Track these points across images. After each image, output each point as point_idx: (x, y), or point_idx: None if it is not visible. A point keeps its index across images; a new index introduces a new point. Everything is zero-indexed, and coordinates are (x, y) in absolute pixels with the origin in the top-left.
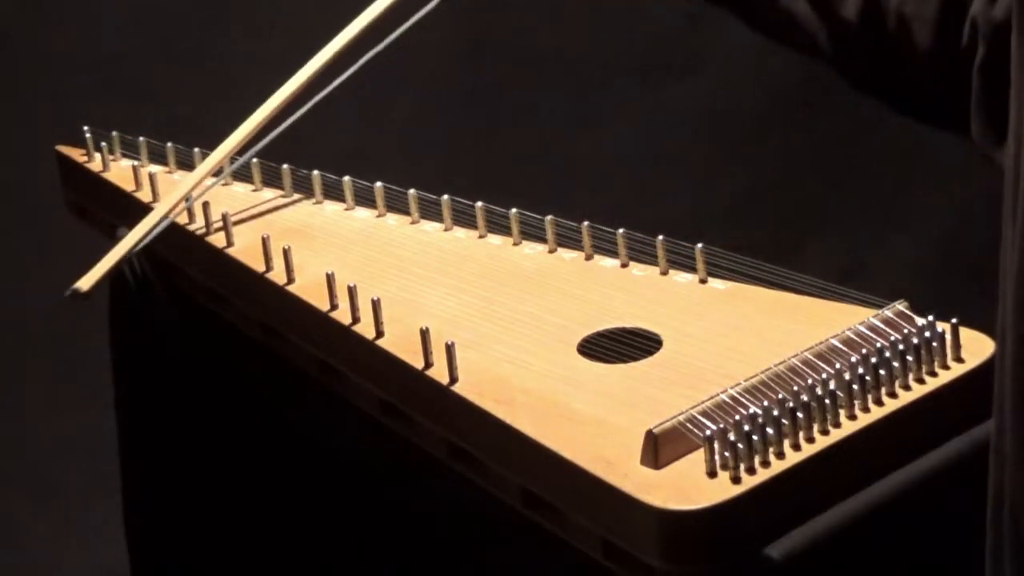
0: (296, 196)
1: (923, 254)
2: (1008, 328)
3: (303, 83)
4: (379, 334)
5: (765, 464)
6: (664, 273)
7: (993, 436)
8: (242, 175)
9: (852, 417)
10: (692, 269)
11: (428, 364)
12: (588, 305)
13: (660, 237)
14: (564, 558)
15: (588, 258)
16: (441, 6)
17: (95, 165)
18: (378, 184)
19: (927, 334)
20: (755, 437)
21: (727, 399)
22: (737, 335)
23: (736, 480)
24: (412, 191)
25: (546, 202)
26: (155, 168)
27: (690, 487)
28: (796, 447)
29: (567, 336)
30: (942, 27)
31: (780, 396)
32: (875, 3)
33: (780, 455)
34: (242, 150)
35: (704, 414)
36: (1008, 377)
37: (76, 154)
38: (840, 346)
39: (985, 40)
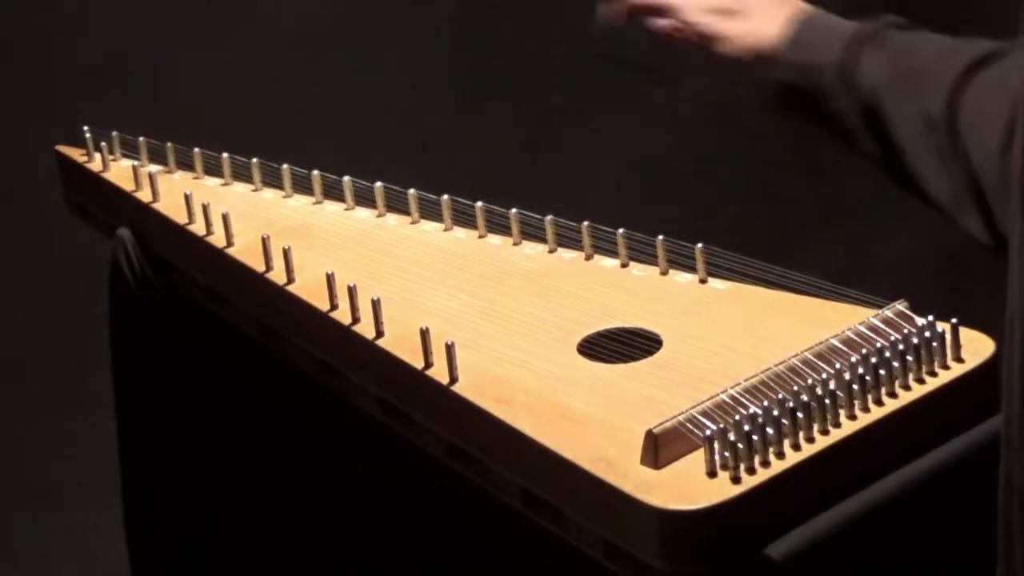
0: (296, 196)
1: (922, 254)
2: (1017, 317)
3: None
4: (379, 334)
5: (765, 464)
6: (664, 273)
7: (1002, 427)
8: (242, 175)
9: (852, 417)
10: (692, 269)
11: (428, 364)
12: (588, 305)
13: (660, 237)
14: (564, 558)
15: (588, 258)
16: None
17: (95, 165)
18: (378, 184)
19: (927, 334)
20: (755, 437)
21: (727, 399)
22: (737, 335)
23: (736, 480)
24: (412, 191)
25: (546, 202)
26: (155, 168)
27: (690, 487)
28: (796, 447)
29: (567, 336)
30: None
31: (780, 396)
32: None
33: (780, 455)
34: None
35: (704, 414)
36: (1017, 366)
37: (76, 154)
38: (840, 346)
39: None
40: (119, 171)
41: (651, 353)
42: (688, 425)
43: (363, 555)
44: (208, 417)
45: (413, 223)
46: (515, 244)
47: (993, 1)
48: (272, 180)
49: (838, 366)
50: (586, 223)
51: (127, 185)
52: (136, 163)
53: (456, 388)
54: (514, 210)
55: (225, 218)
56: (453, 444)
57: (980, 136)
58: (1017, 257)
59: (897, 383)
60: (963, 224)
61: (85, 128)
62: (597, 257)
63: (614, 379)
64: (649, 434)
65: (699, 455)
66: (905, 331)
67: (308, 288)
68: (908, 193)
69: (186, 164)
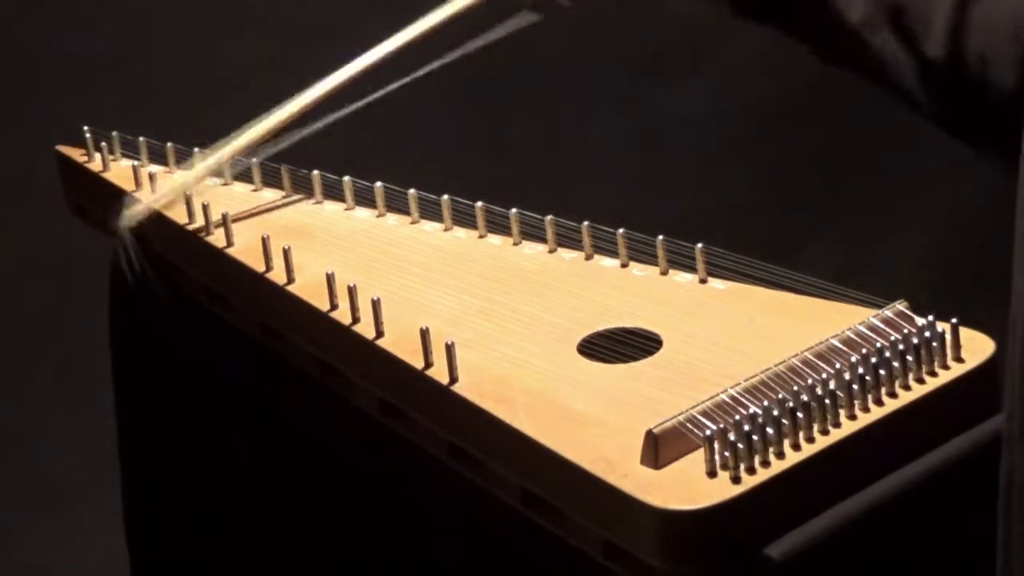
0: (296, 196)
1: (922, 254)
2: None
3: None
4: (379, 334)
5: (765, 464)
6: (664, 273)
7: (1004, 424)
8: (242, 175)
9: (852, 417)
10: (692, 269)
11: (428, 364)
12: (588, 305)
13: (660, 237)
14: (564, 558)
15: (588, 258)
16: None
17: (95, 165)
18: (378, 184)
19: (927, 334)
20: (755, 437)
21: (727, 399)
22: (737, 335)
23: (736, 480)
24: (412, 191)
25: (546, 202)
26: (155, 168)
27: (690, 487)
28: (796, 447)
29: (567, 336)
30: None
31: (780, 396)
32: (960, 44)
33: (780, 455)
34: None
35: (704, 414)
36: (1018, 360)
37: (76, 154)
38: (840, 346)
39: None
40: (119, 171)
41: (651, 353)
42: (688, 425)
43: (363, 555)
44: (208, 416)
45: (413, 223)
46: (515, 244)
47: None
48: (272, 180)
49: (838, 366)
50: (586, 223)
51: (127, 185)
52: (136, 163)
53: (456, 388)
54: (514, 210)
55: (225, 218)
56: (453, 444)
57: (991, 80)
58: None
59: (897, 383)
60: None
61: (85, 128)
62: (597, 257)
63: (614, 379)
64: (649, 434)
65: (699, 455)
66: (905, 331)
67: (308, 288)
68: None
69: (186, 164)
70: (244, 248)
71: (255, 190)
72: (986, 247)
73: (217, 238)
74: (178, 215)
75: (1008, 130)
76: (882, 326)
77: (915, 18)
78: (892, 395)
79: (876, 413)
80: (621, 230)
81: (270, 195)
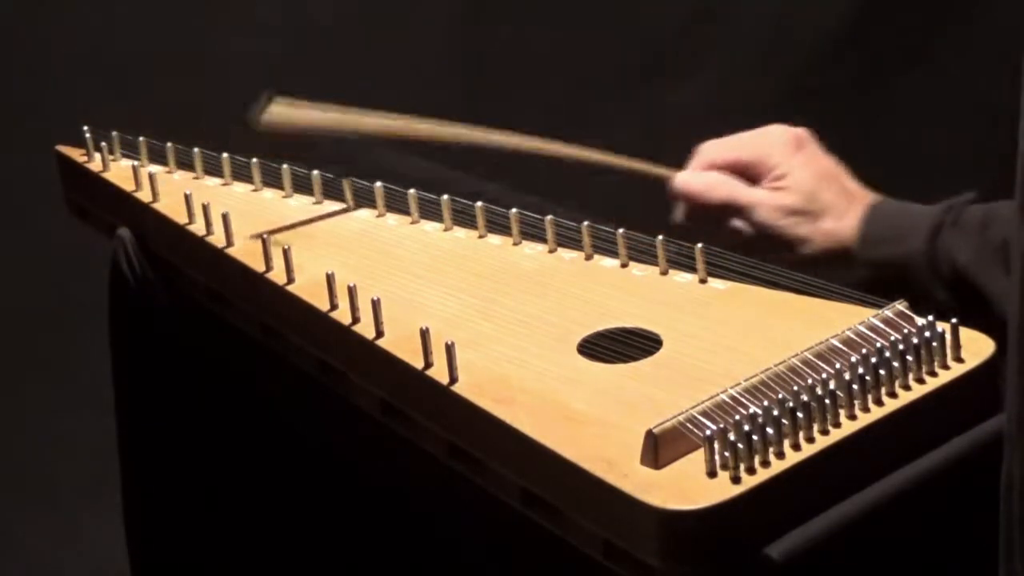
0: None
1: None
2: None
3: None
4: (379, 334)
5: (765, 464)
6: (664, 273)
7: (1006, 424)
8: (242, 175)
9: (852, 417)
10: (692, 269)
11: (428, 364)
12: (588, 305)
13: (660, 237)
14: (564, 558)
15: (588, 258)
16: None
17: (95, 165)
18: (378, 184)
19: (927, 334)
20: (755, 437)
21: (727, 399)
22: (737, 335)
23: (736, 480)
24: (412, 191)
25: (546, 202)
26: (155, 168)
27: (690, 487)
28: (796, 447)
29: (567, 336)
30: None
31: (780, 396)
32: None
33: (780, 455)
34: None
35: (704, 414)
36: (1016, 360)
37: (76, 154)
38: (840, 346)
39: None
40: (119, 171)
41: (651, 353)
42: (688, 425)
43: (362, 555)
44: (208, 417)
45: (413, 223)
46: (515, 244)
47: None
48: (272, 180)
49: (838, 366)
50: (586, 223)
51: (127, 185)
52: (136, 163)
53: (456, 388)
54: (514, 210)
55: (225, 218)
56: (453, 444)
57: None
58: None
59: (897, 383)
60: None
61: (85, 128)
62: (597, 257)
63: (614, 379)
64: (649, 434)
65: (699, 455)
66: (905, 331)
67: (308, 288)
68: None
69: (186, 164)
70: (244, 248)
71: (255, 190)
72: None
73: (217, 238)
74: (178, 215)
75: None
76: (882, 326)
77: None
78: (892, 395)
79: (876, 413)
80: (621, 230)
81: (270, 195)
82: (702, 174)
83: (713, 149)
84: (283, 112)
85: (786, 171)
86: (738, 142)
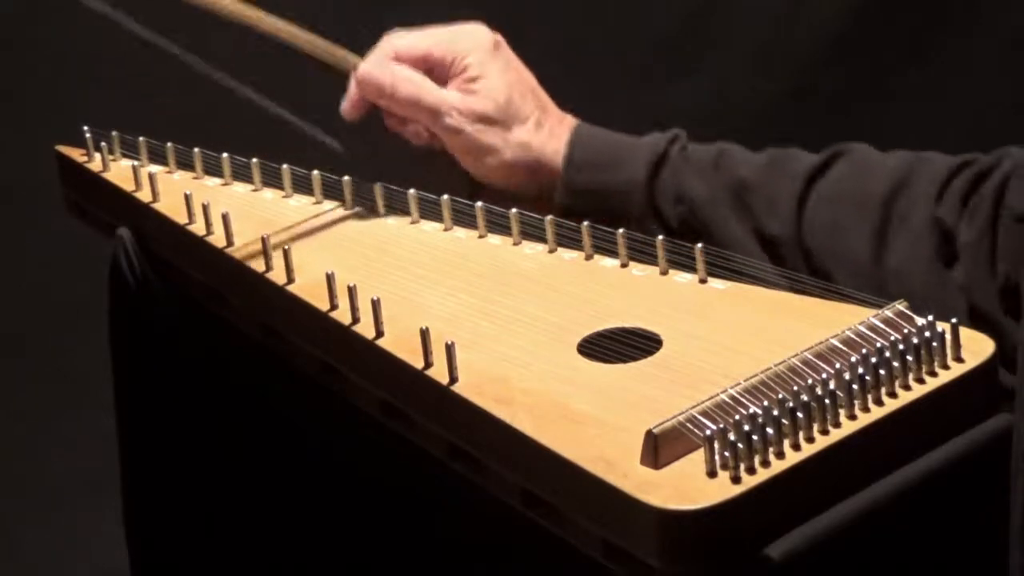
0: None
1: None
2: None
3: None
4: (379, 334)
5: (765, 464)
6: (664, 273)
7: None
8: (242, 175)
9: (852, 417)
10: (692, 269)
11: (428, 364)
12: (588, 305)
13: (660, 237)
14: (564, 558)
15: (588, 258)
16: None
17: (95, 165)
18: (378, 184)
19: (927, 334)
20: (755, 437)
21: (727, 399)
22: (737, 335)
23: (736, 480)
24: (412, 191)
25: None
26: (155, 168)
27: (690, 487)
28: (796, 447)
29: (567, 336)
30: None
31: (780, 396)
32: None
33: (780, 455)
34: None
35: (704, 414)
36: None
37: (76, 154)
38: (840, 346)
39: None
40: (119, 171)
41: (651, 353)
42: (688, 425)
43: (363, 555)
44: (208, 417)
45: (413, 223)
46: (515, 244)
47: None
48: (272, 180)
49: (838, 366)
50: (586, 223)
51: (127, 185)
52: (136, 163)
53: (456, 388)
54: (514, 210)
55: (225, 218)
56: (453, 444)
57: (842, 249)
58: None
59: (897, 383)
60: None
61: (85, 128)
62: (597, 257)
63: (614, 379)
64: (649, 434)
65: (699, 455)
66: (905, 331)
67: (308, 288)
68: None
69: (186, 164)
70: (244, 248)
71: (255, 190)
72: None
73: (217, 238)
74: (178, 215)
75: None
76: (882, 326)
77: (757, 197)
78: (892, 395)
79: (876, 413)
80: (621, 230)
81: (270, 195)
82: (388, 65)
83: (402, 41)
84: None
85: (480, 74)
86: (430, 36)
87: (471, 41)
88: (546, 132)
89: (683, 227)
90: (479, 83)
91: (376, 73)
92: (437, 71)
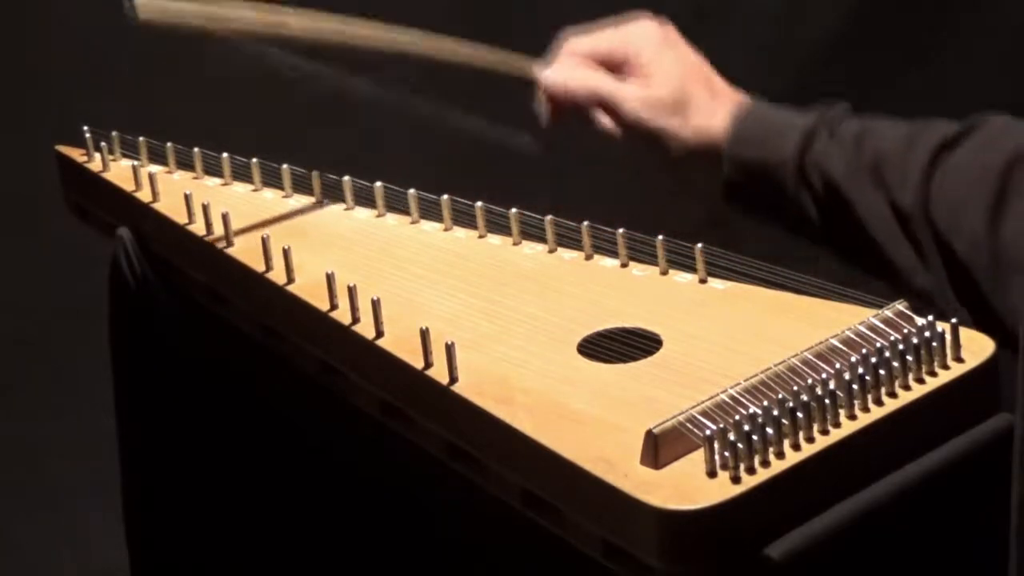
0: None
1: None
2: None
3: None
4: (379, 334)
5: (765, 464)
6: (664, 273)
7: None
8: (242, 175)
9: (852, 417)
10: (692, 269)
11: (428, 364)
12: (588, 305)
13: (660, 237)
14: (564, 558)
15: (588, 258)
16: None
17: (95, 165)
18: (378, 184)
19: (927, 334)
20: (755, 437)
21: (727, 399)
22: (737, 335)
23: (736, 480)
24: (412, 191)
25: (546, 202)
26: (155, 168)
27: (690, 487)
28: (796, 447)
29: (567, 336)
30: None
31: (780, 396)
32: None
33: (780, 455)
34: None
35: (704, 414)
36: None
37: (76, 154)
38: (840, 346)
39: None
40: (119, 171)
41: (651, 353)
42: (688, 425)
43: (363, 555)
44: (208, 417)
45: (413, 223)
46: (515, 244)
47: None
48: (272, 180)
49: (838, 366)
50: (586, 223)
51: (127, 185)
52: (136, 163)
53: (456, 388)
54: (514, 210)
55: (225, 218)
56: (453, 444)
57: (961, 223)
58: None
59: (897, 383)
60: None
61: (85, 128)
62: (597, 257)
63: (614, 379)
64: (649, 434)
65: (699, 455)
66: (905, 331)
67: (308, 288)
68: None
69: (186, 164)
70: (244, 248)
71: (255, 190)
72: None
73: (217, 238)
74: (178, 215)
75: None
76: (882, 326)
77: (892, 171)
78: (892, 395)
79: (876, 413)
80: (621, 230)
81: (270, 195)
82: (566, 67)
83: (577, 41)
84: (154, 3)
85: (654, 64)
86: (604, 33)
87: (643, 36)
88: (720, 115)
89: (830, 203)
90: (654, 73)
91: (555, 76)
92: (614, 66)
